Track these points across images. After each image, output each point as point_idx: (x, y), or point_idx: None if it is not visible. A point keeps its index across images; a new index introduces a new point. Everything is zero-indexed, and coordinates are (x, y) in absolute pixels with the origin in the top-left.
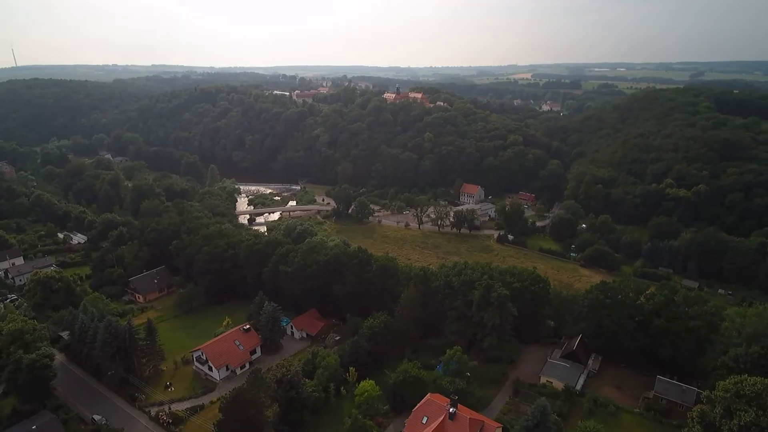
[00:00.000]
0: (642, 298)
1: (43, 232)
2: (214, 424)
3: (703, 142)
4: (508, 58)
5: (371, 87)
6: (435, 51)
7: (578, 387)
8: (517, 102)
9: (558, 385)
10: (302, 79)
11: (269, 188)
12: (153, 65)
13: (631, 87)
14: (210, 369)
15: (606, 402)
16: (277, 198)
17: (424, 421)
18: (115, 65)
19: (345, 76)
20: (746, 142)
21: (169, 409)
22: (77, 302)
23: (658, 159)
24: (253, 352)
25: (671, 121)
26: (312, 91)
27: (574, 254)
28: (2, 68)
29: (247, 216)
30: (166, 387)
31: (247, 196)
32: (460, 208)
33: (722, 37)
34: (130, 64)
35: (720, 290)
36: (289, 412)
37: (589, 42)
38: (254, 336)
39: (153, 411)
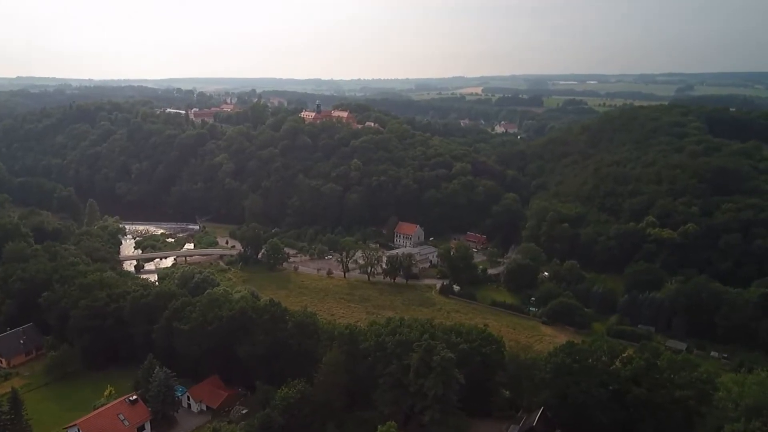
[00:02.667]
0: (617, 363)
1: None
2: None
3: (692, 171)
4: (454, 69)
5: (286, 104)
6: (363, 60)
7: None
8: (464, 122)
9: None
10: (201, 94)
11: (161, 228)
12: (18, 77)
13: (604, 104)
14: None
15: None
16: (170, 240)
17: None
18: None
19: (254, 91)
20: (745, 172)
21: None
22: None
23: (637, 192)
24: (141, 428)
25: (653, 145)
26: (213, 108)
27: (534, 309)
28: None
29: (134, 262)
30: None
31: (134, 238)
32: (394, 252)
33: (715, 43)
34: None
35: (713, 353)
36: None
37: (552, 49)
38: (142, 409)
39: None
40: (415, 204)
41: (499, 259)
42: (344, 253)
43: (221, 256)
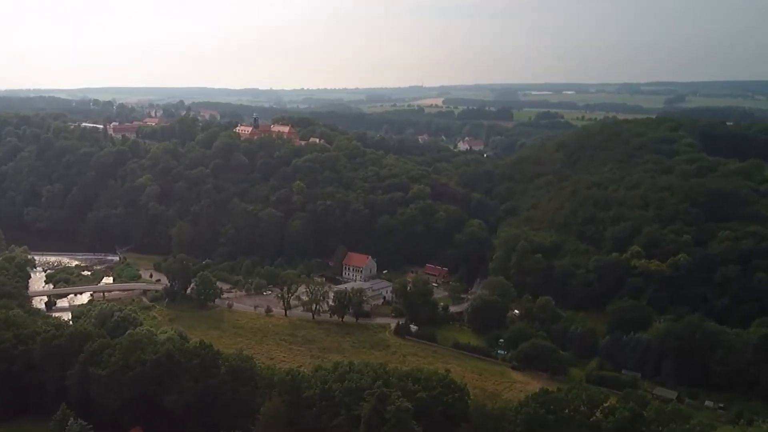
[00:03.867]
0: (598, 413)
1: None
2: None
3: (683, 194)
4: (410, 78)
5: (218, 117)
6: (307, 68)
7: None
8: (422, 138)
9: None
10: (122, 106)
11: (75, 259)
12: None
13: (583, 117)
14: None
15: None
16: (86, 273)
17: None
18: None
19: (181, 102)
20: (744, 195)
21: None
22: None
23: (621, 218)
24: None
25: (639, 164)
26: (135, 122)
27: (502, 352)
28: None
29: (45, 298)
30: None
31: (45, 270)
32: (342, 287)
33: (711, 48)
34: None
35: (707, 402)
36: None
37: (523, 55)
38: None
39: None
40: (366, 232)
41: (462, 295)
42: (285, 288)
43: (144, 292)
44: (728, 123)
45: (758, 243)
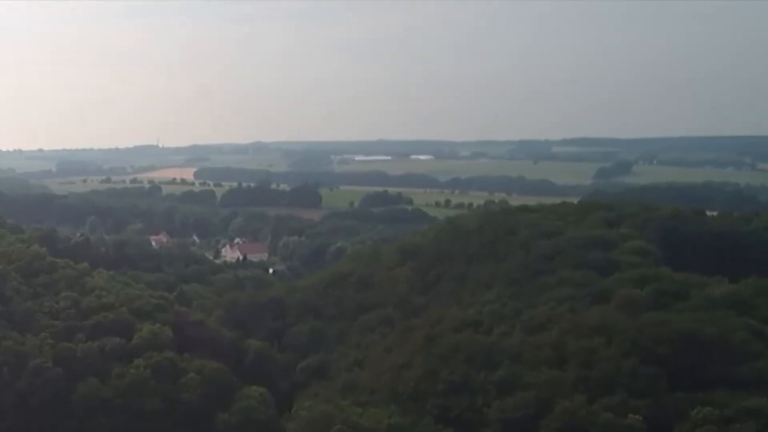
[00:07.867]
0: None
1: None
2: None
3: (629, 342)
4: (137, 133)
5: None
6: None
7: None
8: (159, 240)
9: None
10: None
11: None
12: None
13: (447, 203)
14: None
15: None
16: None
17: None
18: None
19: None
20: (739, 341)
21: None
22: None
23: (516, 384)
24: None
25: (548, 288)
26: None
27: None
28: None
29: None
30: None
31: None
32: None
33: (680, 78)
34: None
35: None
36: None
37: (338, 91)
38: None
39: None
40: (58, 408)
41: None
42: None
43: None
44: (709, 213)
45: (764, 428)
